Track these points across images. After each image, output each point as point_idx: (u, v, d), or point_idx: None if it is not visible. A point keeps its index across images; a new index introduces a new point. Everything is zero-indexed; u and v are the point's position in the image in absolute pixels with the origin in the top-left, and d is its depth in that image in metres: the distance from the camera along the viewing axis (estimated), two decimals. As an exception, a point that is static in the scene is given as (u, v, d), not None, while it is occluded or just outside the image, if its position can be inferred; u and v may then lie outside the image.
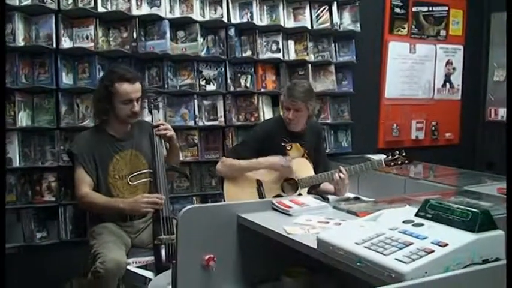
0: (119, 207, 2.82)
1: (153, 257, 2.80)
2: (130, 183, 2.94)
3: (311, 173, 3.23)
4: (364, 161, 3.26)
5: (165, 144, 3.18)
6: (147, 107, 3.25)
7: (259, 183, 3.20)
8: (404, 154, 3.08)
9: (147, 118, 3.30)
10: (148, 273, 2.80)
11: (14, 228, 3.32)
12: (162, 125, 3.11)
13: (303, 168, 3.24)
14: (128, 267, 2.72)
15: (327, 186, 3.31)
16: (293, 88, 3.20)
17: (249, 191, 3.19)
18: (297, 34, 4.14)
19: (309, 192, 3.15)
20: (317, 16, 4.18)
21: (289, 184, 3.23)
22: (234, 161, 3.21)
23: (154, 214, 2.87)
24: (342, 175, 3.07)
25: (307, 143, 3.33)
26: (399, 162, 3.09)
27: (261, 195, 3.17)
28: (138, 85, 2.92)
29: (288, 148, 3.27)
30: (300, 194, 3.11)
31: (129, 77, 2.88)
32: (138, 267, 2.82)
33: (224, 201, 3.30)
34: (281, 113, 3.44)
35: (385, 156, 3.14)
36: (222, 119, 3.89)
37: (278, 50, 4.04)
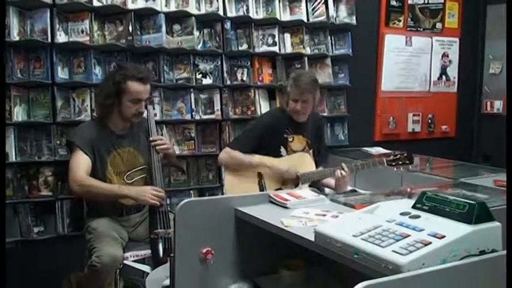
0: (123, 193, 2.77)
1: (150, 251, 2.79)
2: (126, 181, 2.91)
3: (313, 168, 3.23)
4: (361, 153, 3.27)
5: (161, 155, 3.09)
6: None
7: (260, 176, 3.20)
8: (405, 155, 3.11)
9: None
10: (145, 267, 2.80)
11: (11, 223, 3.31)
12: (160, 140, 3.05)
13: (305, 163, 3.24)
14: (125, 261, 2.73)
15: (328, 180, 3.31)
16: (300, 79, 3.19)
17: (249, 183, 3.20)
18: (293, 27, 4.13)
19: (309, 186, 3.16)
20: (313, 9, 4.17)
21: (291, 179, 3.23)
22: (237, 153, 3.20)
23: (151, 208, 2.85)
24: (343, 172, 3.09)
25: (309, 133, 3.33)
26: (400, 163, 3.12)
27: (261, 188, 3.17)
28: (148, 86, 2.91)
29: (290, 140, 3.27)
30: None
31: (143, 76, 2.85)
32: (136, 260, 2.82)
33: (224, 192, 3.32)
34: (283, 104, 3.39)
35: (382, 149, 3.16)
36: (219, 112, 3.88)
37: (274, 43, 4.03)
